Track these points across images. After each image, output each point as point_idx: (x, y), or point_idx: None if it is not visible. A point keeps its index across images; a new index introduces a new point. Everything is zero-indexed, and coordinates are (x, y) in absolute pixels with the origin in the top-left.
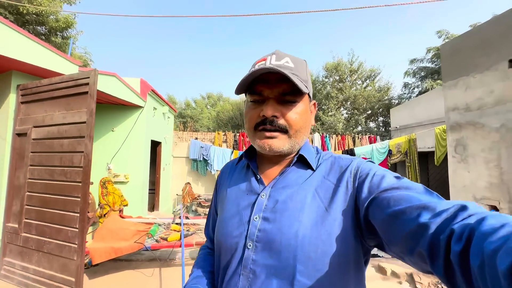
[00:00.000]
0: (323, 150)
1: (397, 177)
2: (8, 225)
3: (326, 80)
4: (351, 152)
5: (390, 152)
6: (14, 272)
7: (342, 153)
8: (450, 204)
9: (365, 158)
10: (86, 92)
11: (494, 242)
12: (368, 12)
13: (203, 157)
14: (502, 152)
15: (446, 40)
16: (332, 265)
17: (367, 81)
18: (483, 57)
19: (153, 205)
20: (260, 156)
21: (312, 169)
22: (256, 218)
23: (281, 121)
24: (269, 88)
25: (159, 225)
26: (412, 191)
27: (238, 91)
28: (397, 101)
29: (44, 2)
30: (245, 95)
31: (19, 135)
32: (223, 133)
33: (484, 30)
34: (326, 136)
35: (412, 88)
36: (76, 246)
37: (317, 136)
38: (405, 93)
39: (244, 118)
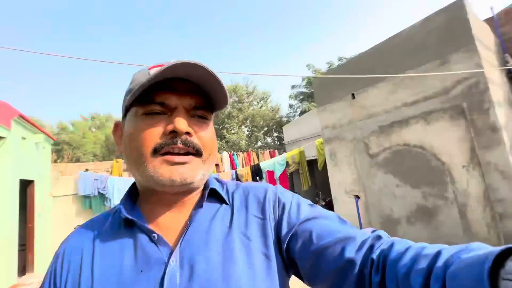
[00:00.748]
0: (232, 168)
1: (310, 205)
2: None
3: None
4: (257, 167)
5: (287, 164)
6: None
7: (250, 168)
8: (367, 234)
9: (269, 171)
10: None
11: (404, 266)
12: (255, 45)
13: (98, 192)
14: (356, 156)
15: (314, 72)
16: None
17: (261, 102)
18: (337, 91)
19: (24, 266)
20: (148, 204)
21: (226, 203)
22: None
23: (196, 140)
24: (178, 97)
25: None
26: (329, 220)
27: (132, 99)
28: (286, 119)
29: None
30: (124, 112)
31: None
32: (123, 161)
33: (335, 73)
34: (234, 154)
35: (295, 109)
36: None
37: (225, 155)
38: (290, 112)
39: (128, 142)
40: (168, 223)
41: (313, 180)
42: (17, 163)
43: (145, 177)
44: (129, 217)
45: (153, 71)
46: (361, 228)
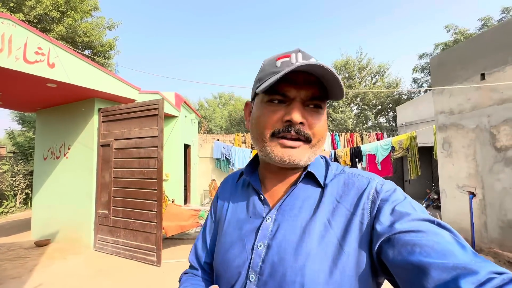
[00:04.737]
0: (333, 148)
1: (423, 217)
2: (99, 211)
3: None
4: (358, 149)
5: (393, 149)
6: (106, 244)
7: (350, 151)
8: (493, 270)
9: (370, 155)
10: (156, 114)
11: None
12: (375, 5)
13: (225, 157)
14: (477, 148)
15: (454, 35)
16: None
17: (376, 77)
18: (462, 70)
19: (185, 199)
20: (264, 171)
21: (321, 186)
22: (260, 246)
23: (307, 130)
24: (296, 89)
25: (205, 211)
26: (440, 238)
27: (265, 89)
28: (406, 96)
29: (93, 33)
30: (253, 95)
31: (103, 146)
32: (242, 135)
33: (463, 48)
34: (335, 134)
35: (420, 83)
36: (155, 223)
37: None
38: (414, 87)
39: (255, 123)
40: (272, 190)
41: (427, 170)
42: (183, 133)
43: (263, 152)
44: (250, 180)
45: (280, 64)
46: (472, 230)
